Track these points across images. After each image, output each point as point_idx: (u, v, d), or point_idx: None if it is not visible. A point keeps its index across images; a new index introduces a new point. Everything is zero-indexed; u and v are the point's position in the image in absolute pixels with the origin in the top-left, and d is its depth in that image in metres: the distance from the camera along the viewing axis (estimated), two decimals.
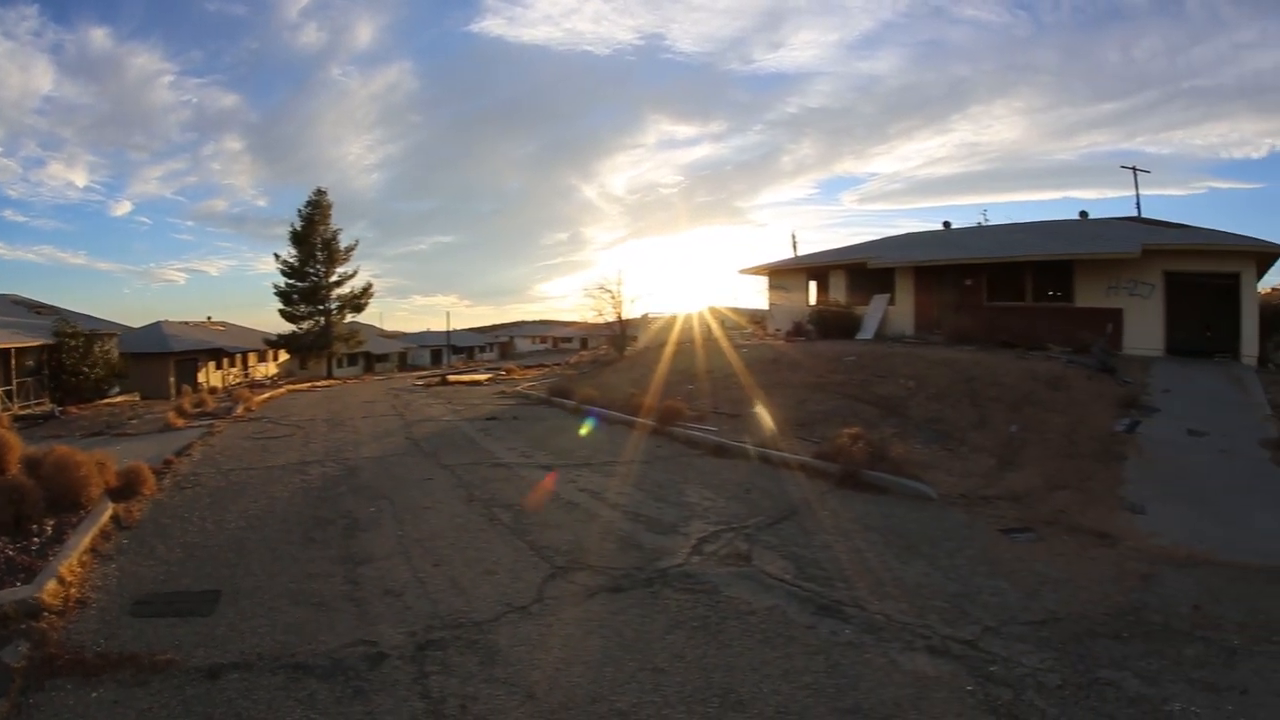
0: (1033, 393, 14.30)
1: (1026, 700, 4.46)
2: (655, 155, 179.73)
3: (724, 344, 24.06)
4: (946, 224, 32.30)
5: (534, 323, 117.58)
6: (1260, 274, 23.76)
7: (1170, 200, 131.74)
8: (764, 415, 13.74)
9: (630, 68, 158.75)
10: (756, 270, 32.03)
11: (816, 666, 4.79)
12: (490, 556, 6.98)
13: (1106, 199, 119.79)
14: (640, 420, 14.43)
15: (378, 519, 8.38)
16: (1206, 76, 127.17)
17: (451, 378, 33.98)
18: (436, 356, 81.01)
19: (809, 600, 5.85)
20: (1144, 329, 21.57)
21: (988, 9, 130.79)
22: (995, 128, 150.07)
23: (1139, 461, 11.39)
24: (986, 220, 31.29)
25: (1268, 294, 26.17)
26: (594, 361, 31.17)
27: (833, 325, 25.46)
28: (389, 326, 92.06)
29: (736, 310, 36.16)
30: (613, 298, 30.83)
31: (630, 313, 31.49)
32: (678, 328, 30.45)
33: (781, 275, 31.10)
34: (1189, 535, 8.42)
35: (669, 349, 25.20)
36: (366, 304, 55.67)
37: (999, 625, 5.48)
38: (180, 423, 16.87)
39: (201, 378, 44.83)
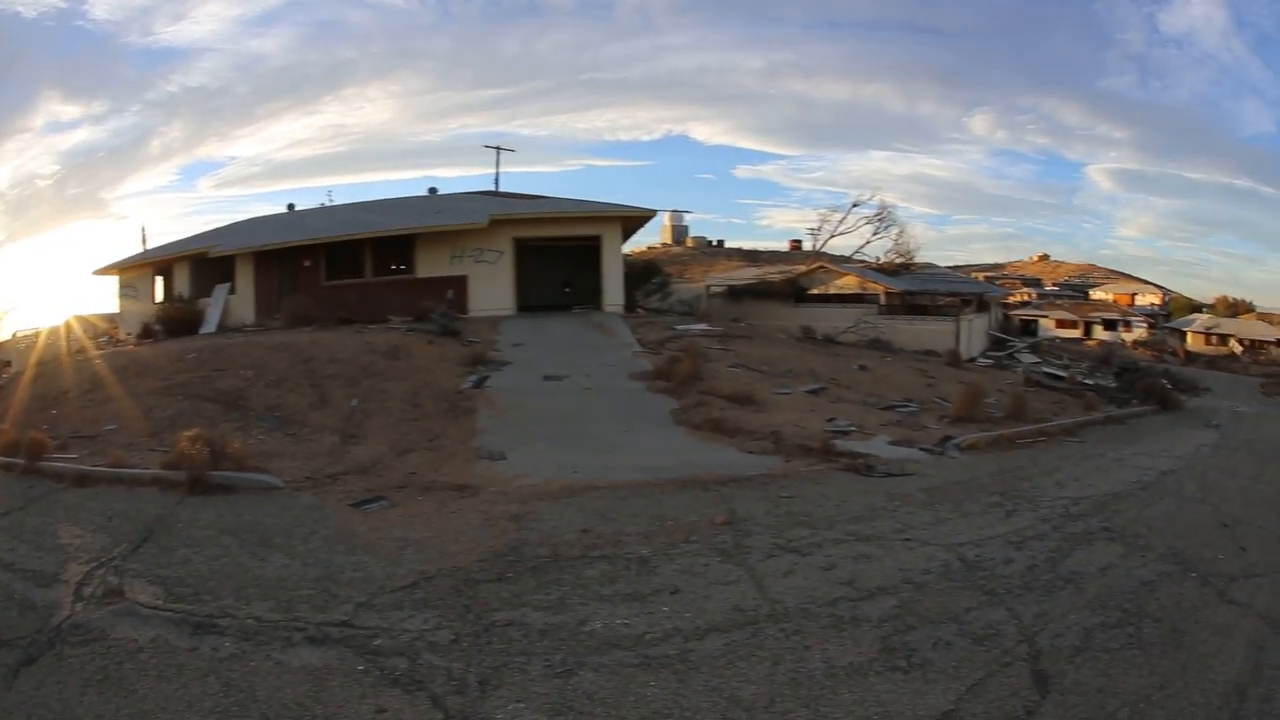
0: (371, 365, 14.57)
1: (425, 663, 4.57)
2: (41, 141, 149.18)
3: (92, 356, 20.73)
4: (291, 206, 32.05)
5: None
6: (628, 234, 27.84)
7: (543, 177, 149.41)
8: (119, 430, 12.37)
9: (45, 35, 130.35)
10: (107, 270, 29.77)
11: (213, 689, 4.54)
12: None
13: (472, 176, 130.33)
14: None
15: None
16: (612, 71, 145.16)
17: None
18: None
19: (184, 622, 5.49)
20: (493, 291, 23.40)
21: None
22: (366, 110, 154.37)
23: (491, 413, 12.17)
24: (331, 201, 31.64)
25: (643, 252, 30.27)
26: None
27: (178, 322, 23.79)
28: None
29: (103, 317, 31.81)
30: None
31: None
32: (42, 343, 25.86)
33: (131, 273, 29.19)
34: (559, 470, 9.01)
35: (29, 370, 20.98)
36: None
37: (369, 599, 5.54)
38: None
39: None
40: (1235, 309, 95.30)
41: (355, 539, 6.89)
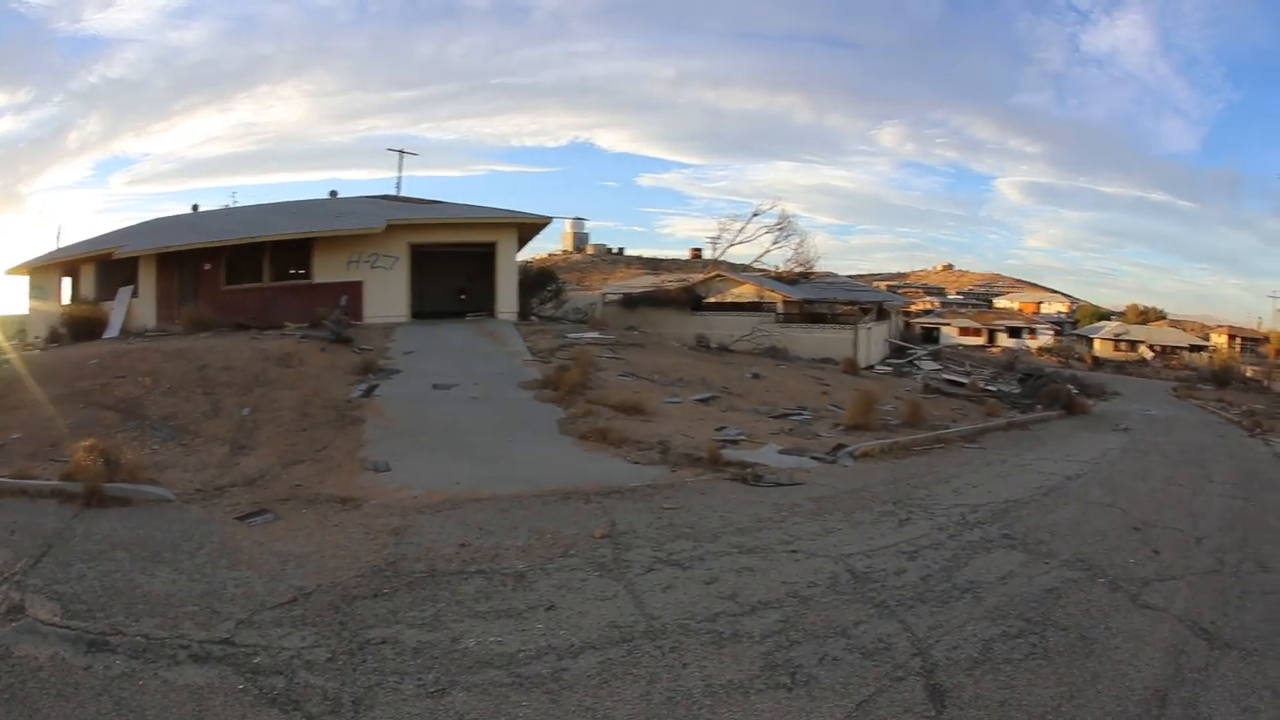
0: (264, 372, 14.52)
1: (301, 682, 4.58)
2: None
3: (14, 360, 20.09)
4: (195, 207, 31.47)
5: None
6: (523, 242, 28.20)
7: (448, 181, 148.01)
8: (24, 438, 11.95)
9: None
10: (18, 270, 29.10)
11: (105, 709, 4.49)
12: None
13: (377, 180, 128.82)
14: None
15: None
16: (523, 76, 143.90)
17: None
18: None
19: (79, 640, 5.41)
20: (387, 298, 23.55)
21: None
22: (278, 108, 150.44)
23: (379, 422, 12.23)
24: (235, 202, 31.23)
25: (544, 259, 30.53)
26: None
27: (83, 326, 23.44)
28: None
29: (15, 318, 30.78)
30: None
31: None
32: None
33: (41, 273, 28.57)
34: (443, 481, 9.10)
35: None
36: None
37: (250, 616, 5.50)
38: None
39: None
40: (1146, 316, 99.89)
41: (239, 554, 6.85)
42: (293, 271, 24.01)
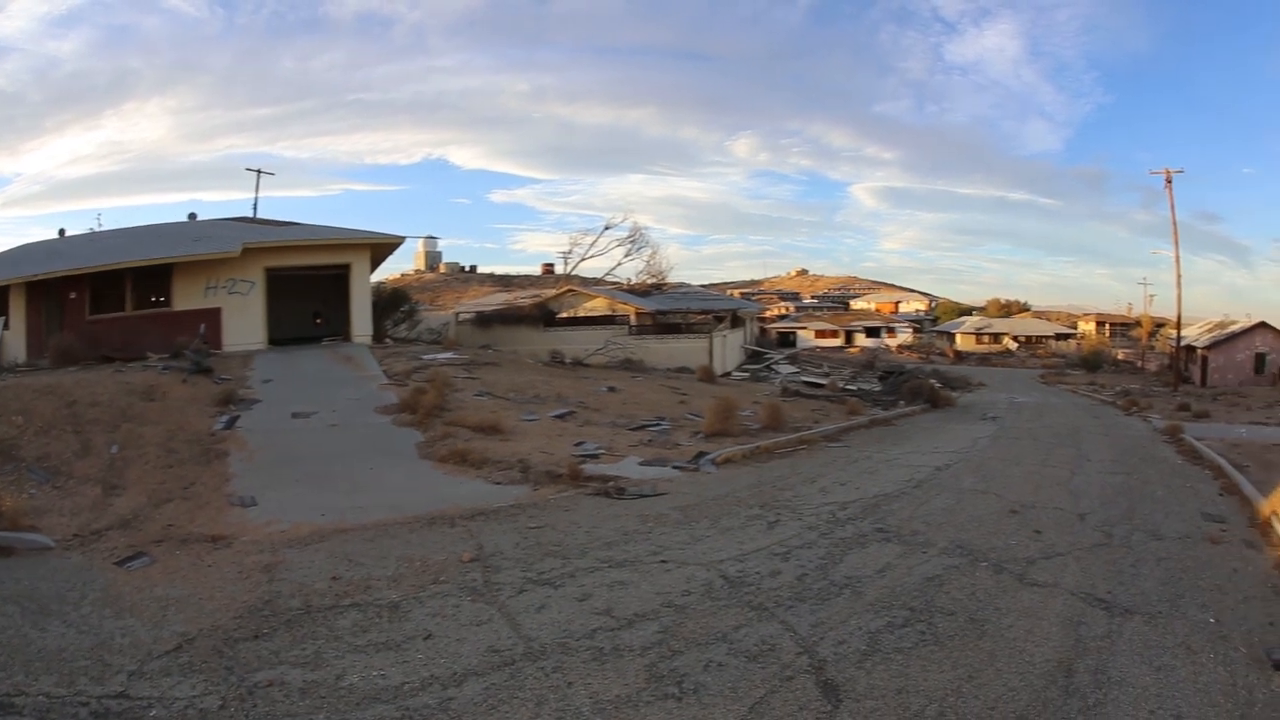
0: (130, 407, 14.11)
1: None
2: None
3: None
4: (62, 231, 30.14)
5: None
6: (377, 263, 28.01)
7: (303, 201, 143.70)
8: None
9: None
10: None
11: None
12: None
13: (236, 200, 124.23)
14: None
15: None
16: (380, 92, 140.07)
17: None
18: None
19: None
20: (245, 325, 23.03)
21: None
22: (144, 126, 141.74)
23: (242, 455, 12.08)
24: (100, 226, 30.23)
25: (397, 279, 30.48)
26: None
27: None
28: None
29: None
30: None
31: None
32: None
33: None
34: (309, 513, 9.07)
35: None
36: None
37: (140, 666, 5.36)
38: None
39: None
40: (1009, 309, 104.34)
41: (122, 601, 6.61)
42: (154, 299, 23.34)
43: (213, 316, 22.81)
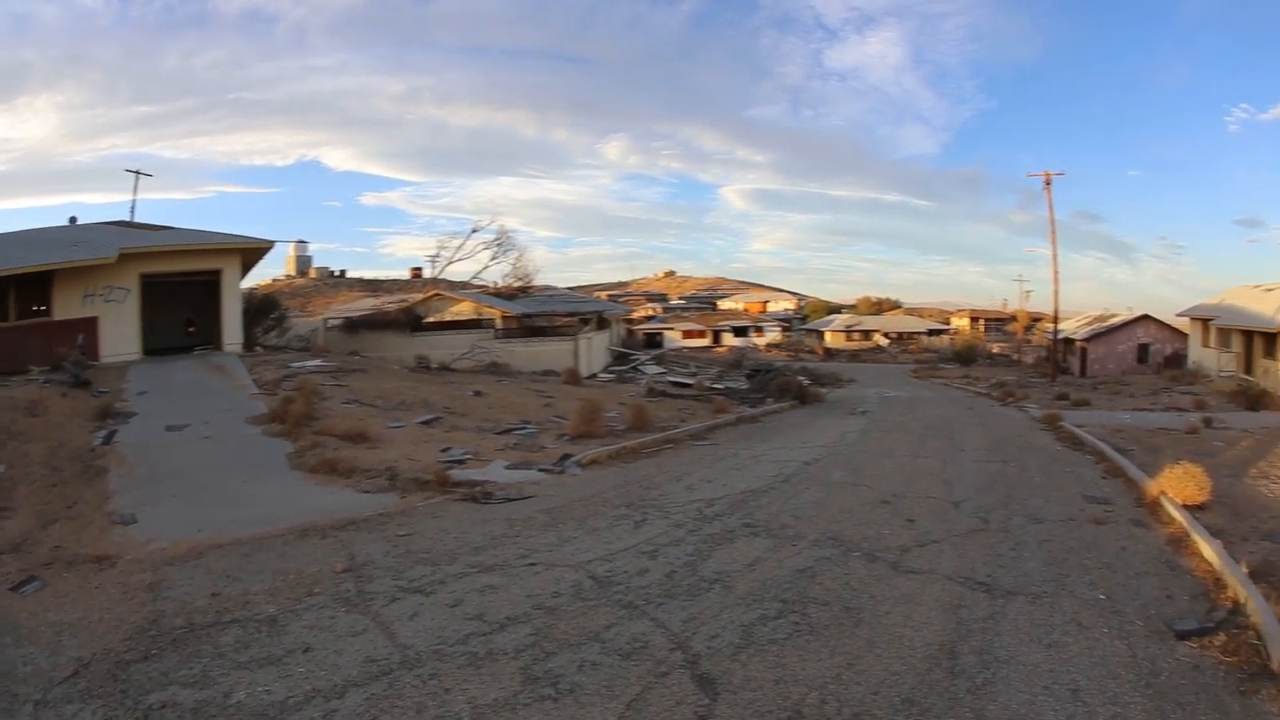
0: (14, 424, 13.80)
1: None
2: None
3: None
4: None
5: None
6: (248, 268, 27.31)
7: (179, 204, 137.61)
8: None
9: None
10: None
11: None
12: None
13: (117, 203, 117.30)
14: None
15: None
16: (259, 91, 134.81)
17: None
18: None
19: None
20: (121, 334, 22.56)
21: None
22: (32, 123, 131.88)
23: (121, 471, 11.94)
24: None
25: (267, 285, 30.18)
26: None
27: None
28: None
29: None
30: None
31: None
32: None
33: None
34: (187, 528, 9.04)
35: None
36: None
37: (44, 695, 5.20)
38: None
39: None
40: (880, 307, 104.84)
41: (20, 629, 6.37)
42: (35, 309, 22.54)
43: (90, 326, 22.35)
